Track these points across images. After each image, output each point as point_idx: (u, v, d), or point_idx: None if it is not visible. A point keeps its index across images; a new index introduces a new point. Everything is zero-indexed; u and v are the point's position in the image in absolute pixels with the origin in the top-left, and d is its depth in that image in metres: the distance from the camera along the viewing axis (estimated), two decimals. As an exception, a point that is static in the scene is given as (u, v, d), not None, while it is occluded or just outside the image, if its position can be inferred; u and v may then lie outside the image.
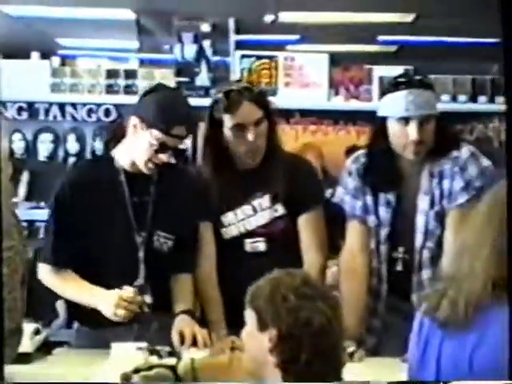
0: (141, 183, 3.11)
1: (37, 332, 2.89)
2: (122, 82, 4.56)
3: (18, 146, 4.46)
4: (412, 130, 2.97)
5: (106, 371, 2.64)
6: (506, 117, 2.11)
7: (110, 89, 4.59)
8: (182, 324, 3.02)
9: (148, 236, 3.10)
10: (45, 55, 4.69)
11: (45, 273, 3.12)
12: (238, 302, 3.05)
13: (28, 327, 2.81)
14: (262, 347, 2.06)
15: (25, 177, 4.44)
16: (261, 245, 3.22)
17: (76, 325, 3.24)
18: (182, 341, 2.97)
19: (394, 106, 3.00)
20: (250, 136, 3.12)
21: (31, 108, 4.42)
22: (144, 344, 2.94)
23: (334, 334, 2.07)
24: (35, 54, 4.63)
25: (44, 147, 4.49)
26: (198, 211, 3.22)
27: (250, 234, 3.22)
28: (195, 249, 3.21)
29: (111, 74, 4.57)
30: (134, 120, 3.05)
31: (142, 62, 5.52)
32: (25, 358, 2.74)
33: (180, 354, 2.79)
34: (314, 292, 2.08)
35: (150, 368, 2.52)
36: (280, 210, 3.22)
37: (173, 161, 3.05)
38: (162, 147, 3.01)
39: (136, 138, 3.05)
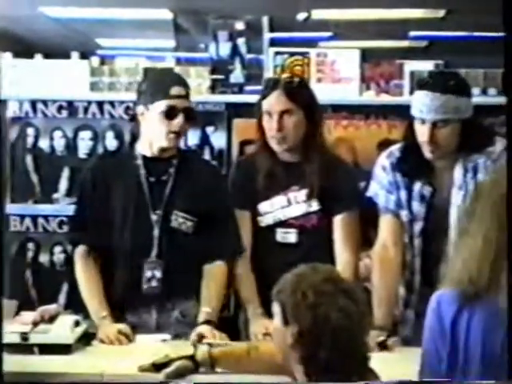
0: (159, 165, 3.20)
1: (77, 324, 2.95)
2: (158, 79, 4.57)
3: (59, 144, 4.49)
4: (423, 131, 3.01)
5: (129, 363, 2.68)
6: (506, 112, 2.14)
7: (147, 87, 4.60)
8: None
9: (164, 214, 3.18)
10: (84, 55, 4.72)
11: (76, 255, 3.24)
12: (263, 291, 3.18)
13: (68, 319, 2.92)
14: (286, 342, 2.09)
15: (65, 173, 4.49)
16: (292, 236, 3.28)
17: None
18: None
19: (413, 105, 3.05)
20: (274, 124, 3.20)
21: (71, 106, 4.42)
22: (168, 336, 3.04)
23: (356, 328, 2.07)
24: (75, 54, 4.67)
25: (84, 144, 4.48)
26: (220, 197, 3.25)
27: (283, 223, 3.29)
28: (228, 235, 3.22)
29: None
30: (139, 109, 3.17)
31: (179, 61, 5.56)
32: (66, 349, 2.82)
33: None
34: (335, 288, 2.08)
35: (169, 362, 2.55)
36: (314, 205, 3.28)
37: (185, 124, 3.12)
38: (171, 112, 3.10)
39: (146, 122, 3.16)
